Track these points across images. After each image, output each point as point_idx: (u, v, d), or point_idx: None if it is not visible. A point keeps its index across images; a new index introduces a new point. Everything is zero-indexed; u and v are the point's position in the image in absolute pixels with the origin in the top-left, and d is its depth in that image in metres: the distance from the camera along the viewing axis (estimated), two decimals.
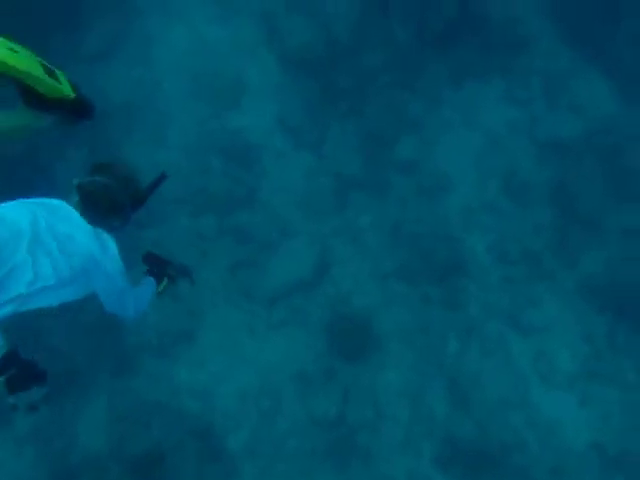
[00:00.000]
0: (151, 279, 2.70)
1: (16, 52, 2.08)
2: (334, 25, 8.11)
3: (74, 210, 2.20)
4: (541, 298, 7.95)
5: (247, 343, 7.00)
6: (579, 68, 8.97)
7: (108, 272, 2.20)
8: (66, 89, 2.29)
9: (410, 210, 7.90)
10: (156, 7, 8.29)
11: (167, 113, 7.75)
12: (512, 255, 8.03)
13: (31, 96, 2.18)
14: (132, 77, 7.76)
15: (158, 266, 2.72)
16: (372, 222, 7.74)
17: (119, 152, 7.40)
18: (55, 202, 2.22)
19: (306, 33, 8.25)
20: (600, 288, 7.92)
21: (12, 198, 2.16)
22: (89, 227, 2.20)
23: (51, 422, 6.11)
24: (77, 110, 2.33)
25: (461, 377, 7.56)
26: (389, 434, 7.10)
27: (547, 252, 8.12)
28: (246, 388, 6.87)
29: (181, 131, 7.73)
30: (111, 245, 2.29)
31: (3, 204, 2.11)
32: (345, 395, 7.04)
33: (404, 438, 7.13)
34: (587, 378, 7.65)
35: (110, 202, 2.29)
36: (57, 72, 2.33)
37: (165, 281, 2.71)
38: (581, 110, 8.80)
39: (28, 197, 2.25)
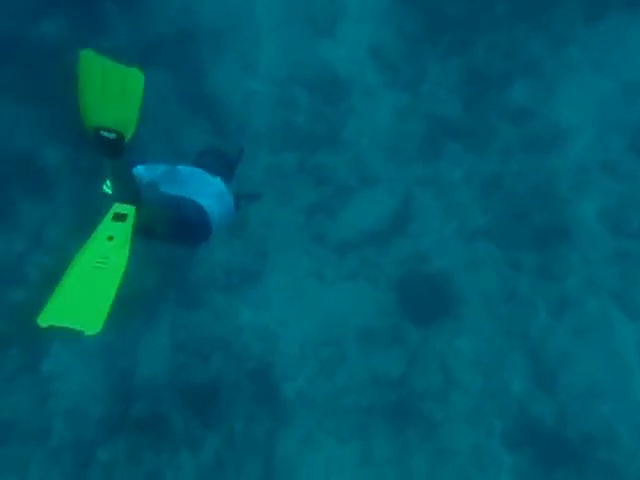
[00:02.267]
0: None
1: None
2: None
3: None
4: None
5: (314, 289, 6.70)
6: None
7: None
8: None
9: (512, 163, 6.95)
10: None
11: (256, 39, 7.29)
12: (631, 226, 6.87)
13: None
14: (223, 1, 7.32)
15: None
16: (465, 175, 6.92)
17: (204, 78, 7.14)
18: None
19: None
20: None
21: None
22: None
23: (117, 342, 6.30)
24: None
25: (547, 354, 6.79)
26: (456, 404, 6.60)
27: None
28: (309, 335, 6.64)
29: (269, 59, 7.26)
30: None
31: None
32: (412, 357, 6.58)
33: (473, 411, 6.60)
34: None
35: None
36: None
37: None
38: None
39: None
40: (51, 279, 6.39)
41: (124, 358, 6.28)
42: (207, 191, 3.08)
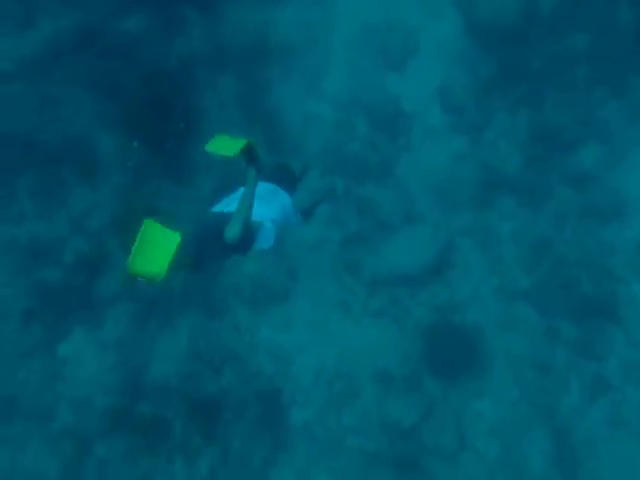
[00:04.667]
0: None
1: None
2: None
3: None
4: None
5: (338, 321, 6.52)
6: None
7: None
8: None
9: (566, 229, 6.60)
10: None
11: (327, 62, 7.28)
12: None
13: None
14: (303, 20, 7.35)
15: None
16: (515, 231, 6.62)
17: (268, 92, 7.16)
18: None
19: None
20: None
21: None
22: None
23: (135, 338, 6.29)
24: None
25: (575, 437, 6.34)
26: (466, 469, 6.24)
27: None
28: (325, 366, 6.45)
29: (336, 84, 7.22)
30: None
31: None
32: (427, 410, 6.28)
33: None
34: None
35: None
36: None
37: None
38: None
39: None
40: (84, 264, 6.42)
41: (139, 355, 6.26)
42: (273, 205, 3.58)
